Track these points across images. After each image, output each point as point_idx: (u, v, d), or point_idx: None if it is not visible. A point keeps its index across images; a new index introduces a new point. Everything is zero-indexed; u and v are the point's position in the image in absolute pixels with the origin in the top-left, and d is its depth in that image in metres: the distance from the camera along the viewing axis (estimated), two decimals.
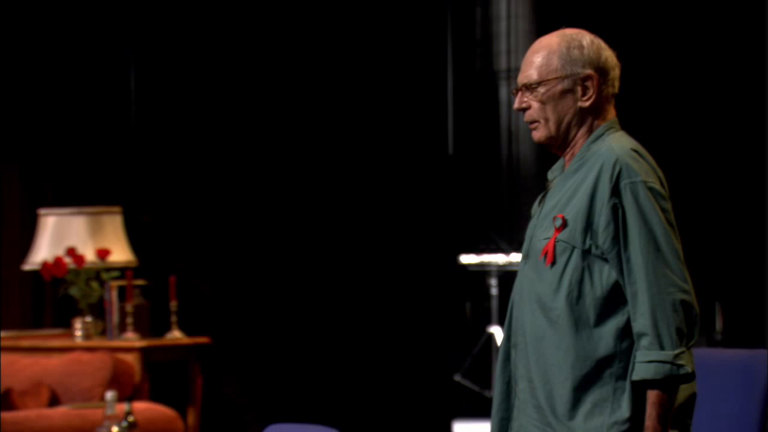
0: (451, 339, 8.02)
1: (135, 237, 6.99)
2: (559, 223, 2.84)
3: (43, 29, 7.58)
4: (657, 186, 2.82)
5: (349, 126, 7.53)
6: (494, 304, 9.40)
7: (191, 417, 6.56)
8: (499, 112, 9.05)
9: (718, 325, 6.86)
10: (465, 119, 8.55)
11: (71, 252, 6.59)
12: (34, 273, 6.97)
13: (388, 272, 7.55)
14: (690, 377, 2.76)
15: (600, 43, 2.91)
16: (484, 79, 8.93)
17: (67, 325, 6.72)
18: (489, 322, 9.47)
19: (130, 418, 5.53)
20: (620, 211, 2.79)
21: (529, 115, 2.92)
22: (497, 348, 9.43)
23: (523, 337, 2.91)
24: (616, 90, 2.91)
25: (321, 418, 4.72)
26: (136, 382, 6.27)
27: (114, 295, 6.53)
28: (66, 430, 5.65)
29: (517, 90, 2.93)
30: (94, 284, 6.59)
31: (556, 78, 2.87)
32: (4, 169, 7.62)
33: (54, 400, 6.05)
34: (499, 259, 9.35)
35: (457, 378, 9.34)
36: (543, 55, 2.89)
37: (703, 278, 6.80)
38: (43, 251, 6.68)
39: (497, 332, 9.37)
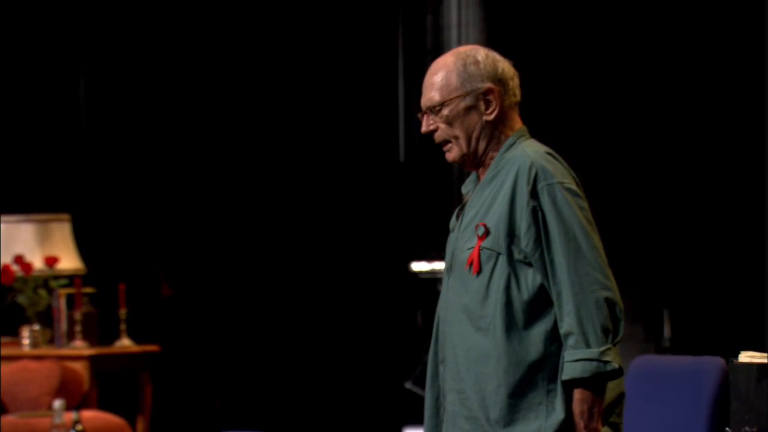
0: (402, 346, 8.02)
1: (83, 245, 6.95)
2: (481, 231, 2.87)
3: None
4: (573, 186, 2.85)
5: (301, 133, 7.52)
6: None
7: (140, 425, 6.52)
8: None
9: (667, 332, 6.91)
10: (416, 126, 8.56)
11: (19, 259, 6.53)
12: None
13: (340, 279, 7.54)
14: (618, 373, 2.78)
15: (495, 55, 2.94)
16: None
17: (15, 334, 6.66)
18: None
19: (79, 427, 5.49)
20: (539, 213, 2.83)
21: (438, 137, 2.94)
22: None
23: (452, 349, 2.92)
24: (518, 98, 2.95)
25: (271, 425, 4.71)
26: (85, 391, 6.23)
27: (62, 302, 6.48)
28: None
29: (423, 113, 2.95)
30: (42, 292, 6.55)
31: (458, 96, 2.90)
32: None
33: (1, 409, 5.99)
34: None
35: (408, 385, 9.35)
36: (442, 76, 2.92)
37: (651, 285, 6.85)
38: None
39: None
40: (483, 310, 2.85)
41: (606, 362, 2.76)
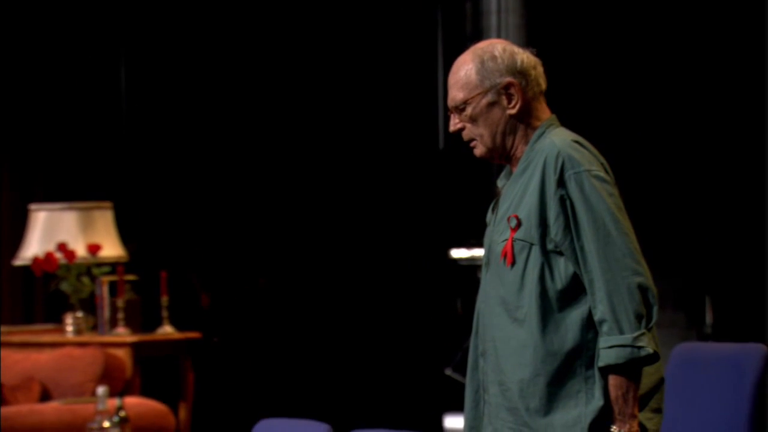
0: (442, 333, 8.02)
1: (126, 232, 6.99)
2: (514, 223, 2.88)
3: (34, 26, 7.57)
4: (601, 173, 2.86)
5: (341, 122, 7.53)
6: None
7: (183, 412, 6.56)
8: None
9: (709, 319, 6.88)
10: None
11: (62, 247, 6.58)
12: (25, 268, 6.96)
13: (380, 267, 7.55)
14: (653, 358, 2.79)
15: (513, 48, 2.94)
16: None
17: (59, 321, 6.71)
18: None
19: (122, 413, 5.53)
20: (568, 202, 2.83)
21: (465, 135, 2.95)
22: None
23: (492, 342, 2.94)
24: (543, 87, 2.94)
25: (312, 413, 4.73)
26: (128, 377, 6.27)
27: (105, 290, 6.52)
28: (57, 426, 5.65)
29: (450, 113, 2.97)
30: (86, 279, 6.59)
31: (479, 94, 2.91)
32: None
33: (45, 396, 6.05)
34: None
35: (448, 372, 9.35)
36: (462, 75, 2.94)
37: (694, 272, 6.82)
38: (34, 247, 6.67)
39: None
40: (519, 301, 2.87)
41: (640, 347, 2.76)
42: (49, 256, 6.54)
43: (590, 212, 2.82)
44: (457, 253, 9.73)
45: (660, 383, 2.89)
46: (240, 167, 7.54)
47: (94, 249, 6.62)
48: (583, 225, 2.82)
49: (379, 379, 7.52)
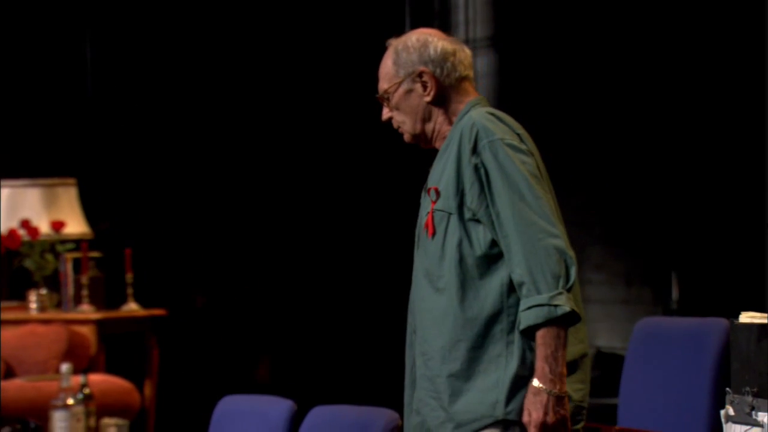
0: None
1: (90, 209, 6.95)
2: (433, 195, 2.95)
3: None
4: (515, 142, 2.92)
5: (306, 99, 7.51)
6: None
7: (148, 389, 6.54)
8: None
9: (675, 294, 6.90)
10: None
11: (25, 224, 6.54)
12: None
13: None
14: (571, 317, 2.82)
15: (427, 37, 3.03)
16: None
17: (22, 298, 6.67)
18: None
19: (86, 390, 5.51)
20: (482, 170, 2.90)
21: (394, 123, 3.07)
22: None
23: (419, 315, 2.99)
24: (464, 73, 3.03)
25: (278, 391, 4.73)
26: (92, 355, 6.25)
27: (69, 267, 6.49)
28: (21, 402, 5.62)
29: (381, 102, 3.10)
30: (49, 256, 6.55)
31: (396, 83, 3.03)
32: None
33: (9, 373, 6.02)
34: None
35: None
36: (383, 66, 3.07)
37: (659, 248, 6.84)
38: None
39: None
40: (440, 271, 2.93)
41: (557, 306, 2.80)
42: (12, 232, 6.49)
43: (504, 178, 2.87)
44: None
45: (584, 356, 2.93)
46: (209, 142, 7.50)
47: (57, 226, 6.58)
48: (497, 191, 2.88)
49: (348, 357, 7.52)
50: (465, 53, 3.05)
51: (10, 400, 5.60)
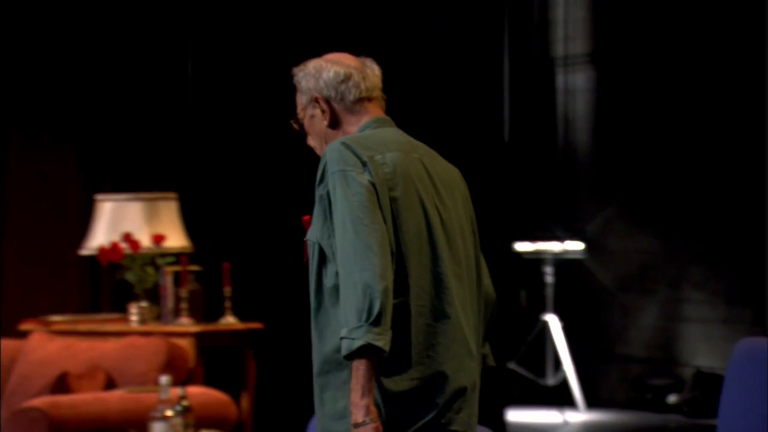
0: (506, 326, 7.98)
1: (190, 223, 7.03)
2: (309, 224, 3.09)
3: (103, 18, 7.63)
4: (354, 173, 2.98)
5: (406, 113, 7.52)
6: (549, 291, 9.35)
7: (245, 402, 6.59)
8: (555, 98, 8.98)
9: None
10: (521, 106, 8.51)
11: (127, 237, 6.63)
12: (91, 258, 7.03)
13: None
14: (364, 350, 2.87)
15: (322, 63, 3.18)
16: (541, 65, 8.87)
17: (123, 310, 6.77)
18: (544, 310, 9.43)
19: (185, 402, 5.56)
20: (326, 201, 3.02)
21: (310, 145, 3.26)
22: (552, 336, 9.39)
23: None
24: (362, 95, 3.15)
25: None
26: (191, 367, 6.31)
27: (169, 280, 6.57)
28: (121, 414, 5.70)
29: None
30: (150, 269, 6.64)
31: (302, 109, 3.21)
32: (62, 155, 7.70)
33: (110, 384, 6.10)
34: (554, 246, 9.30)
35: (511, 365, 9.31)
36: (297, 94, 3.23)
37: (761, 267, 6.72)
38: (100, 237, 6.73)
39: (552, 320, 9.33)
40: (312, 297, 3.04)
41: (352, 339, 2.86)
42: (114, 246, 6.59)
43: (336, 211, 2.97)
44: (521, 246, 9.69)
45: (413, 391, 2.98)
46: (306, 159, 7.55)
47: (158, 239, 6.67)
48: (334, 223, 2.98)
49: None
50: (365, 74, 3.17)
51: (112, 411, 5.68)
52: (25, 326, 6.69)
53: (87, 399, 5.72)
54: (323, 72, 3.17)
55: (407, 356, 2.98)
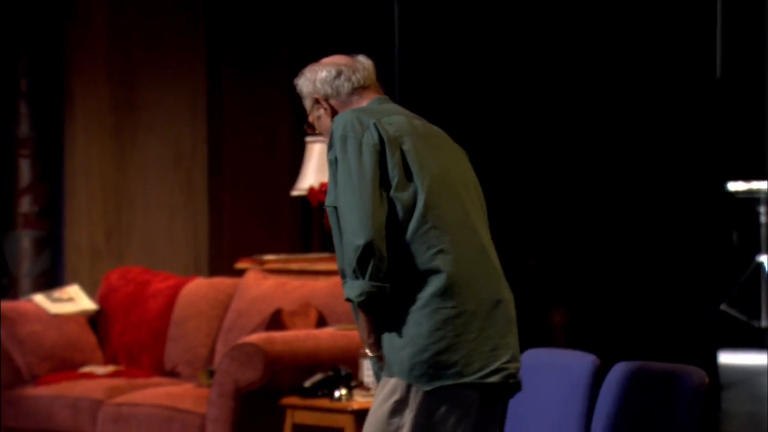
0: (718, 268, 7.84)
1: None
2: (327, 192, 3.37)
3: None
4: (361, 137, 3.27)
5: (613, 52, 7.42)
6: (763, 231, 9.13)
7: None
8: None
9: None
10: (733, 42, 8.28)
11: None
12: (301, 198, 7.18)
13: (655, 200, 7.43)
14: (354, 300, 3.26)
15: (314, 67, 3.53)
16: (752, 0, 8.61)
17: (332, 250, 6.88)
18: (757, 251, 9.22)
19: None
20: (333, 165, 3.31)
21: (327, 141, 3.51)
22: (765, 276, 9.17)
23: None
24: (357, 85, 3.47)
25: (581, 346, 4.73)
26: None
27: None
28: (332, 350, 5.84)
29: None
30: None
31: (309, 112, 3.54)
32: (274, 98, 7.87)
33: (321, 321, 6.24)
34: None
35: (724, 307, 9.14)
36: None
37: None
38: (310, 178, 6.86)
39: (766, 260, 9.11)
40: (338, 260, 3.35)
41: (354, 292, 3.24)
42: (323, 186, 6.71)
43: (341, 174, 3.25)
44: (734, 185, 9.46)
45: (453, 317, 3.23)
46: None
47: None
48: (338, 185, 3.27)
49: (654, 315, 7.43)
50: (355, 67, 3.47)
51: (323, 347, 5.82)
52: (240, 265, 6.89)
53: (300, 336, 5.88)
54: (317, 74, 3.50)
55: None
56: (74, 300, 6.84)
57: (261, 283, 6.49)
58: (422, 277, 3.21)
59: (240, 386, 5.57)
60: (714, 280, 7.64)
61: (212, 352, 6.39)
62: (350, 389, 5.41)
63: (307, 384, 5.50)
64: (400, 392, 3.22)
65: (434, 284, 3.22)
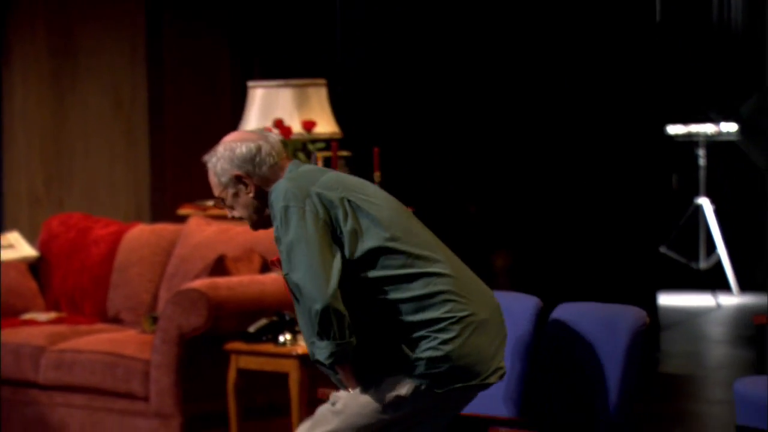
0: (658, 210, 7.93)
1: (338, 109, 7.09)
2: (278, 264, 3.49)
3: None
4: (301, 205, 3.38)
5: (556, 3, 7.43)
6: (702, 174, 9.22)
7: None
8: None
9: None
10: None
11: (279, 123, 6.72)
12: None
13: (595, 143, 7.48)
14: (333, 359, 3.42)
15: (231, 144, 3.55)
16: None
17: None
18: (696, 193, 9.32)
19: None
20: (277, 238, 3.42)
21: (237, 216, 3.59)
22: (704, 219, 9.27)
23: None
24: (274, 161, 3.52)
25: (523, 288, 4.77)
26: None
27: (320, 165, 6.65)
28: (277, 295, 5.83)
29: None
30: (301, 155, 6.73)
31: (223, 190, 3.57)
32: (215, 43, 7.81)
33: (265, 267, 6.24)
34: (707, 129, 9.15)
35: (663, 249, 9.25)
36: (210, 179, 3.60)
37: None
38: (252, 123, 6.84)
39: (704, 203, 9.21)
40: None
41: (323, 354, 3.40)
42: (266, 132, 6.69)
43: (289, 244, 3.35)
44: (673, 129, 9.55)
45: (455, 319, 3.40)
46: (456, 44, 7.52)
47: (309, 125, 6.75)
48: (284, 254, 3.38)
49: (594, 256, 7.50)
50: (269, 143, 3.52)
51: (267, 293, 5.82)
52: (183, 211, 6.87)
53: (243, 281, 5.87)
54: (236, 150, 3.52)
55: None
56: (14, 247, 6.79)
57: (204, 229, 6.47)
58: (426, 299, 3.38)
59: (184, 332, 5.57)
60: (654, 222, 7.73)
61: (155, 298, 6.38)
62: (294, 334, 5.42)
63: (252, 329, 5.50)
64: (406, 389, 3.38)
65: (441, 299, 3.40)
